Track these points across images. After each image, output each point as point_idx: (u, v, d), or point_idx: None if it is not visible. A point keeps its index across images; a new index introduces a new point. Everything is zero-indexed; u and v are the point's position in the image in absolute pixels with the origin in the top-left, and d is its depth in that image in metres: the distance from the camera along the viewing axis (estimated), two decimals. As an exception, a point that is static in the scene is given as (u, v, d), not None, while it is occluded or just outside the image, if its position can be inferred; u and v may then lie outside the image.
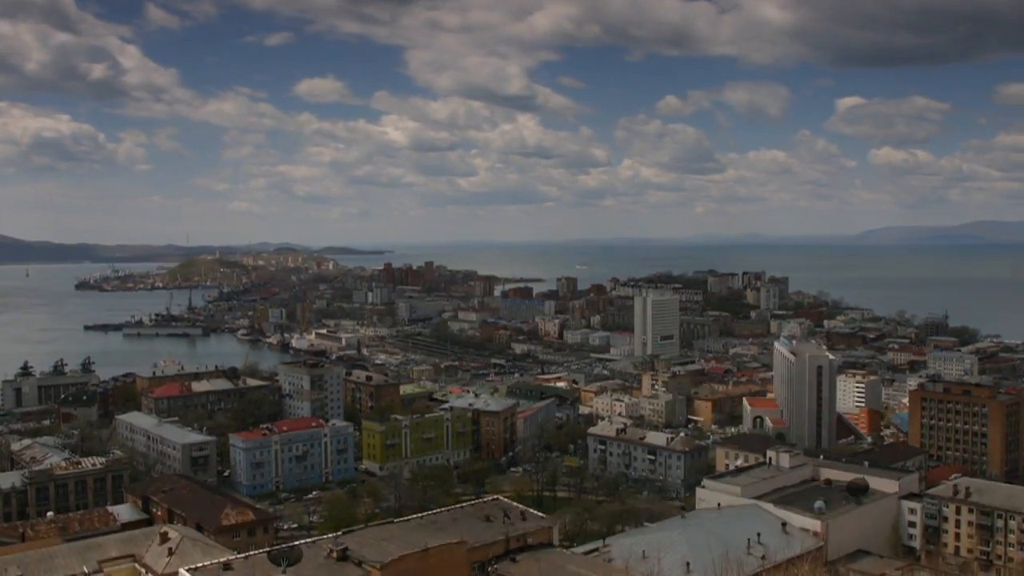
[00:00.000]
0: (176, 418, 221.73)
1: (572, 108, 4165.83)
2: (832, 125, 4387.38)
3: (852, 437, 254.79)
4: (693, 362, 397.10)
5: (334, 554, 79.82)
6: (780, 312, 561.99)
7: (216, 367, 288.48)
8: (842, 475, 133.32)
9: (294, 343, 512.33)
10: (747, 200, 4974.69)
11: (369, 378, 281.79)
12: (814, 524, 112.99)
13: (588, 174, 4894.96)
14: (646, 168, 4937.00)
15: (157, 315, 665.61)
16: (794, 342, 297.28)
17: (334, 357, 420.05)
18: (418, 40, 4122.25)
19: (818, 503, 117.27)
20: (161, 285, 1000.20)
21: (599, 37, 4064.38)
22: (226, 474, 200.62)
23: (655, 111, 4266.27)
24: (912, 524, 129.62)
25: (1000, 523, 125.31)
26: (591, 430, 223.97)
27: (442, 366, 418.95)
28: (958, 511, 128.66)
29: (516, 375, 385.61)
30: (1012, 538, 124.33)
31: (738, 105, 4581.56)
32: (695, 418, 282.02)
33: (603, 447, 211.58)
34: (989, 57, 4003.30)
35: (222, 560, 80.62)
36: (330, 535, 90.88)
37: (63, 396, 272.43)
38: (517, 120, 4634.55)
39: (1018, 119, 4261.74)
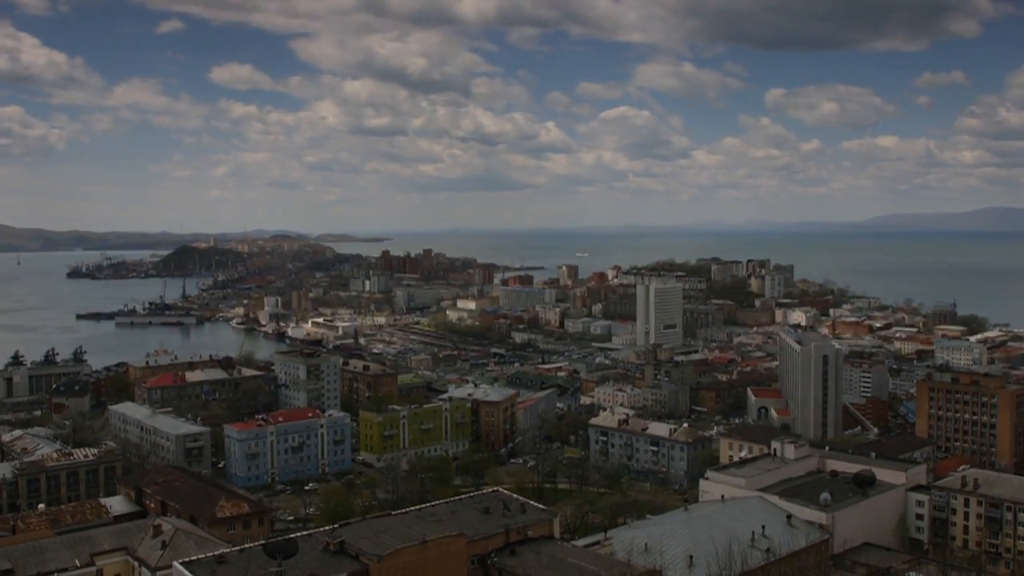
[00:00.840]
0: (170, 408, 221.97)
1: (500, 92, 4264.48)
2: (774, 110, 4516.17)
3: (858, 428, 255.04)
4: (696, 351, 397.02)
5: (331, 547, 79.80)
6: (785, 300, 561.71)
7: (211, 356, 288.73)
8: (848, 467, 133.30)
9: (290, 332, 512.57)
10: (729, 186, 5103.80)
11: (366, 368, 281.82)
12: (820, 516, 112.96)
13: (549, 160, 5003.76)
14: (608, 153, 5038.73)
15: (150, 303, 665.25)
16: (799, 331, 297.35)
17: (331, 346, 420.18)
18: (298, 26, 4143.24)
19: (824, 495, 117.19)
20: (155, 273, 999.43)
21: (485, 18, 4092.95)
22: (221, 465, 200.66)
23: (577, 95, 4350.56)
24: (919, 517, 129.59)
25: (1009, 516, 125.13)
26: (592, 421, 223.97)
27: (441, 355, 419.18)
28: (966, 503, 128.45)
29: (516, 364, 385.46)
30: (1021, 531, 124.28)
31: (665, 90, 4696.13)
32: (698, 408, 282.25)
33: (605, 438, 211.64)
34: (876, 45, 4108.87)
35: (216, 553, 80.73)
36: (327, 528, 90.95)
37: (54, 386, 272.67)
38: (447, 104, 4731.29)
39: (949, 107, 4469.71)
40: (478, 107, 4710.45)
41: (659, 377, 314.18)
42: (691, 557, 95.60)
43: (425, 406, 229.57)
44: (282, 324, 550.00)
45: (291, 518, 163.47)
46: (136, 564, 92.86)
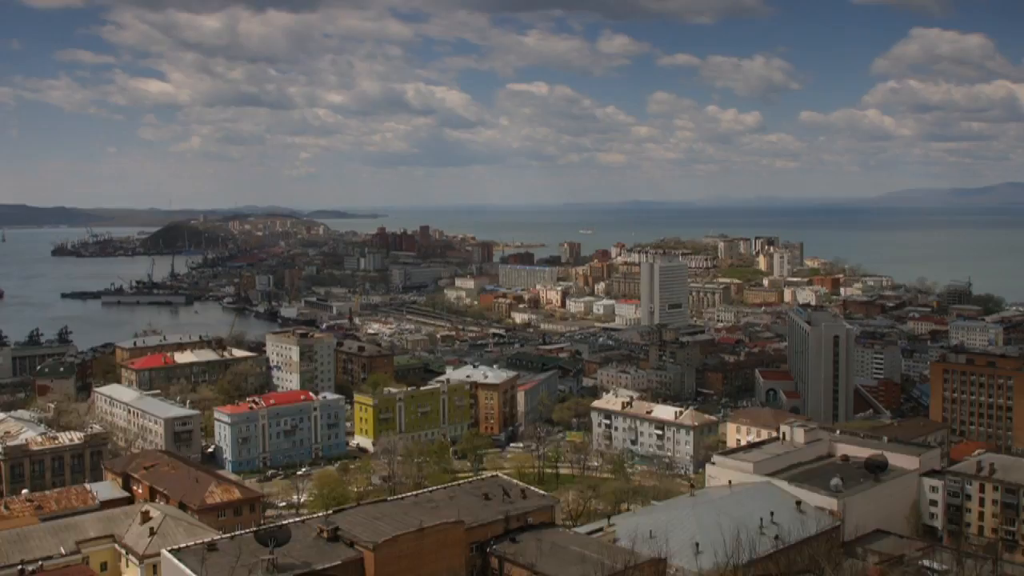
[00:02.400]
0: (158, 391, 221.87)
1: (361, 66, 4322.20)
2: (660, 80, 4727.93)
3: (870, 411, 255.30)
4: (703, 332, 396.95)
5: (324, 534, 79.69)
6: (794, 279, 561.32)
7: (200, 337, 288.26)
8: (860, 451, 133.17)
9: (282, 312, 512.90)
10: (702, 161, 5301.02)
11: (361, 349, 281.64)
12: (830, 503, 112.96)
13: (481, 134, 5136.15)
14: (527, 129, 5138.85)
15: (138, 282, 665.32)
16: (809, 311, 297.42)
17: (324, 327, 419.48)
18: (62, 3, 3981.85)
19: (834, 480, 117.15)
20: (142, 251, 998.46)
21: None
22: (211, 450, 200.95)
23: (441, 68, 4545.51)
24: (933, 503, 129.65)
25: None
26: (595, 404, 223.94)
27: (438, 336, 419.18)
28: (982, 489, 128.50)
29: (516, 346, 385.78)
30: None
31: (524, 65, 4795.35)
32: (705, 391, 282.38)
33: (608, 421, 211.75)
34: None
35: (206, 540, 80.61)
36: (320, 514, 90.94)
37: (39, 367, 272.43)
38: (307, 76, 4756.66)
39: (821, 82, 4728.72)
40: (360, 78, 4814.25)
41: (664, 358, 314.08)
42: (697, 544, 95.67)
43: (422, 388, 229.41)
44: (274, 304, 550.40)
45: (283, 504, 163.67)
46: (123, 552, 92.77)
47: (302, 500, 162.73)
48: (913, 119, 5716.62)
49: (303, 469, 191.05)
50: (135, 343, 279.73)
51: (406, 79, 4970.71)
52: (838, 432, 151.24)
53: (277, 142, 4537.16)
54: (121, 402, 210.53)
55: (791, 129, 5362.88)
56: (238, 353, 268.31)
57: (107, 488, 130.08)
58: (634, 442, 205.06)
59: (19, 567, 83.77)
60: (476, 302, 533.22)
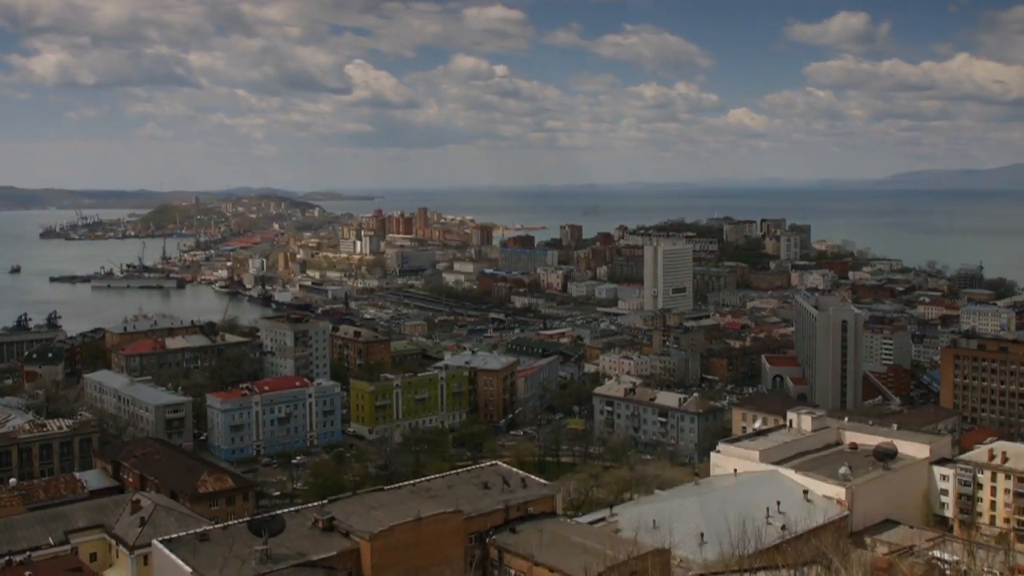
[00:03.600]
0: (149, 377, 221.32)
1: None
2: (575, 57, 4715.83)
3: (879, 398, 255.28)
4: (707, 316, 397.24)
5: (319, 524, 79.61)
6: (801, 263, 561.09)
7: (192, 322, 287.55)
8: (868, 439, 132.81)
9: (276, 296, 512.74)
10: (681, 141, 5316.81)
11: (357, 334, 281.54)
12: (838, 492, 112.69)
13: (422, 114, 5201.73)
14: (453, 109, 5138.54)
15: (128, 266, 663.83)
16: (816, 295, 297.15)
17: (320, 311, 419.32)
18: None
19: (842, 469, 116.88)
20: (133, 233, 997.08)
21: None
22: (203, 437, 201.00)
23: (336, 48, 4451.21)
24: (944, 492, 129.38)
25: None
26: (597, 390, 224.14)
27: (436, 321, 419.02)
28: (994, 477, 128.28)
29: (516, 331, 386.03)
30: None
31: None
32: (710, 377, 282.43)
33: (610, 408, 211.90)
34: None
35: (198, 530, 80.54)
36: (315, 503, 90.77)
37: (27, 353, 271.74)
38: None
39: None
40: (254, 56, 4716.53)
41: (668, 344, 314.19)
42: (702, 534, 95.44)
43: (420, 375, 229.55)
44: (268, 287, 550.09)
45: (277, 493, 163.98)
46: (113, 542, 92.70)
47: (296, 489, 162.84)
48: (855, 101, 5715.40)
49: (298, 457, 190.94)
50: (125, 328, 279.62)
51: (303, 58, 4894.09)
52: (846, 419, 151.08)
53: (214, 121, 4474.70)
54: (111, 388, 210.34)
55: (750, 107, 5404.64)
56: (231, 338, 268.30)
57: (97, 477, 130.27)
58: (637, 429, 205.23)
59: (6, 557, 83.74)
60: (475, 286, 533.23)
